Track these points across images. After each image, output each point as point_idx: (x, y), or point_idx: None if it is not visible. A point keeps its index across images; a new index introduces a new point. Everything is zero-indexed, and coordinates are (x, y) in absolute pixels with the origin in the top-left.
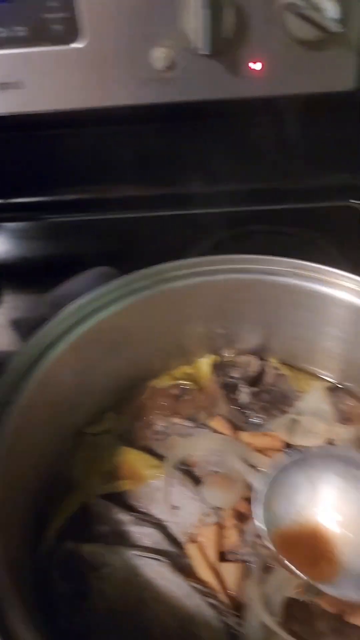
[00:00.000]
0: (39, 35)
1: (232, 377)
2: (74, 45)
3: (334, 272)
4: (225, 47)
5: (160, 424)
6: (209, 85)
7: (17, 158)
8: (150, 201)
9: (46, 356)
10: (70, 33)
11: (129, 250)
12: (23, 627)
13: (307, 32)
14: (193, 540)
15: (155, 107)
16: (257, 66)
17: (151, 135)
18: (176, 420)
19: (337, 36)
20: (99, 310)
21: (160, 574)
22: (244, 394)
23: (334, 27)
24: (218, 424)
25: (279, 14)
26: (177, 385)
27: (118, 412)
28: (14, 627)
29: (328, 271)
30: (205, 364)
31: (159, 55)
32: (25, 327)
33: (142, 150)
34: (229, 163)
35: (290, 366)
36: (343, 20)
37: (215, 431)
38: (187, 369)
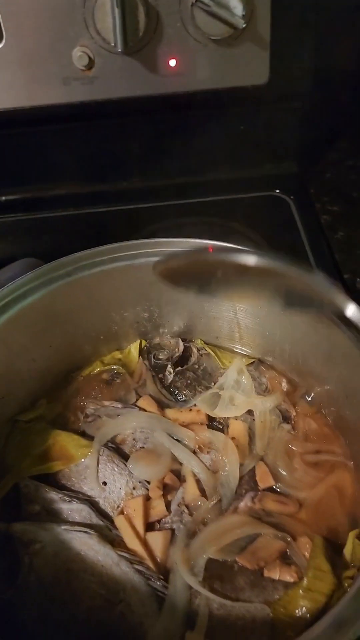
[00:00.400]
0: None
1: (159, 359)
2: None
3: (241, 249)
4: (140, 45)
5: (90, 408)
6: (128, 83)
7: None
8: (79, 198)
9: None
10: None
11: (59, 248)
12: None
13: (216, 28)
14: (121, 512)
15: (79, 105)
16: (172, 63)
17: (78, 134)
18: (106, 402)
19: (246, 32)
20: (21, 298)
21: (88, 546)
22: (170, 374)
23: (240, 24)
24: (145, 403)
25: (189, 11)
26: (108, 370)
27: (50, 399)
28: None
29: (236, 249)
30: (134, 348)
31: (78, 54)
32: None
33: (69, 148)
34: (156, 158)
35: (215, 346)
36: (249, 16)
37: (142, 410)
38: (117, 354)
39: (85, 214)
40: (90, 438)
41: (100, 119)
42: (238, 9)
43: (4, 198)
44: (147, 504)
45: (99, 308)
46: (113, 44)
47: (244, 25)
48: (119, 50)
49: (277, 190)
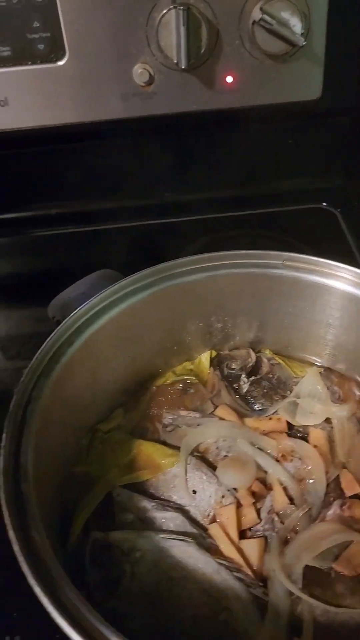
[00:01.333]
0: (23, 55)
1: (232, 369)
2: (57, 63)
3: (323, 262)
4: (200, 61)
5: (168, 418)
6: (185, 99)
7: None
8: (133, 211)
9: (63, 354)
10: (53, 52)
11: (115, 260)
12: (78, 604)
13: (275, 46)
14: (214, 521)
15: (136, 120)
16: (229, 79)
17: (133, 148)
18: (183, 412)
19: (302, 49)
20: (108, 309)
21: (187, 554)
22: (245, 383)
23: (301, 41)
24: (224, 412)
25: (249, 30)
26: (181, 381)
27: (127, 409)
28: (69, 603)
29: (317, 261)
30: (204, 358)
31: (139, 71)
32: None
33: (124, 162)
34: (208, 171)
35: (284, 356)
36: (307, 34)
37: (222, 419)
38: (188, 365)
39: (137, 226)
40: (172, 447)
41: (156, 134)
42: (297, 27)
43: (54, 211)
44: (238, 512)
45: (177, 319)
46: (175, 61)
47: (304, 43)
48: (182, 67)
49: (324, 203)
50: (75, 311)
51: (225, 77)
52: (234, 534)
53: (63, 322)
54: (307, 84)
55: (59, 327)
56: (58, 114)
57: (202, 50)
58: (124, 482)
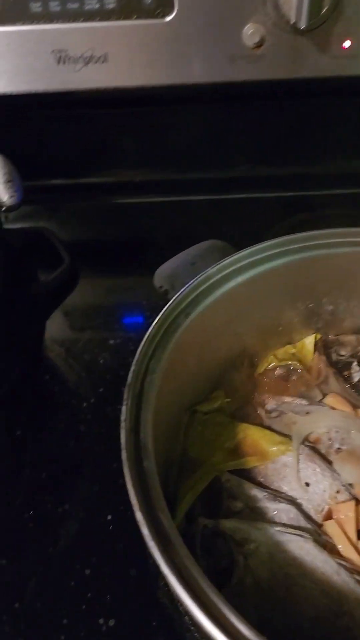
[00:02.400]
0: (129, 8)
1: (341, 355)
2: (164, 19)
3: None
4: (317, 23)
5: (272, 403)
6: (296, 64)
7: (88, 136)
8: (221, 184)
9: (178, 326)
10: (161, 6)
11: (204, 234)
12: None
13: None
14: (327, 518)
15: (240, 85)
16: (347, 44)
17: (229, 116)
18: (288, 399)
19: None
20: (224, 281)
21: (305, 550)
22: (357, 371)
23: None
24: (335, 401)
25: None
26: (284, 365)
27: (227, 391)
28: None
29: None
30: (308, 342)
31: (250, 31)
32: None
33: (218, 131)
34: (301, 145)
35: None
36: None
37: (333, 409)
38: (290, 349)
39: (218, 200)
40: (281, 434)
41: (258, 100)
42: None
43: (139, 179)
44: (357, 509)
45: (290, 297)
46: (293, 21)
47: None
48: (301, 27)
49: None
50: (193, 280)
51: (343, 42)
52: (353, 534)
53: (180, 290)
54: None
55: (176, 295)
56: (159, 74)
57: (323, 11)
58: (231, 467)
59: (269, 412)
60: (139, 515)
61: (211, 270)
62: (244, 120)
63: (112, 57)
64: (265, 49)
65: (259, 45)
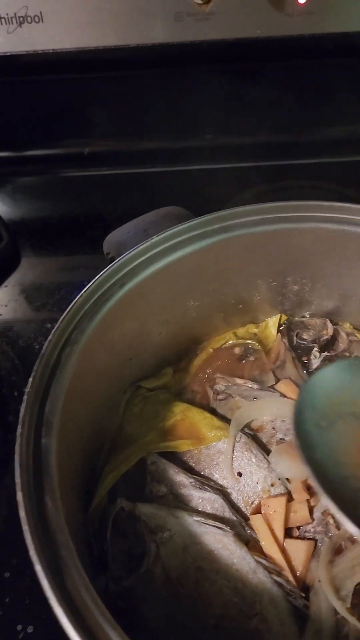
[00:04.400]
0: None
1: (303, 339)
2: None
3: None
4: None
5: (221, 384)
6: (248, 22)
7: (28, 106)
8: (174, 154)
9: (112, 295)
10: None
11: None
12: (82, 591)
13: None
14: (256, 511)
15: (187, 46)
16: (303, 0)
17: (183, 82)
18: (239, 381)
19: None
20: (171, 250)
21: (222, 544)
22: (316, 358)
23: None
24: (286, 387)
25: None
26: (242, 345)
27: (176, 369)
28: (73, 589)
29: None
30: (272, 323)
31: None
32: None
33: (167, 99)
34: (262, 112)
35: None
36: None
37: (283, 396)
38: (252, 328)
39: (176, 171)
40: (223, 418)
41: (208, 65)
42: None
43: (87, 150)
44: (288, 505)
45: (249, 273)
46: None
47: None
48: None
49: None
50: (132, 250)
51: None
52: (280, 531)
53: (115, 260)
54: None
55: (110, 265)
56: (100, 35)
57: None
58: (161, 449)
59: (217, 393)
60: (19, 496)
61: (155, 238)
62: (205, 87)
63: (47, 17)
64: (214, 6)
65: (206, 1)
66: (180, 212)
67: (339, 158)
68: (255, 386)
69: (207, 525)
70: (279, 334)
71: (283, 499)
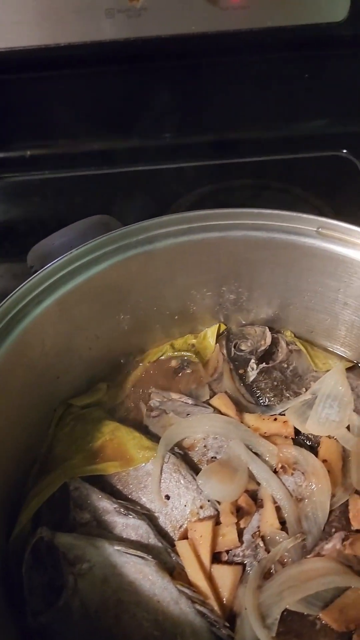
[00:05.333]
0: None
1: (241, 351)
2: None
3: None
4: None
5: (156, 399)
6: (182, 18)
7: None
8: (120, 155)
9: (28, 313)
10: None
11: (103, 208)
12: None
13: None
14: (184, 536)
15: (121, 44)
16: None
17: (118, 81)
18: (174, 395)
19: None
20: (91, 264)
21: (144, 574)
22: (253, 370)
23: None
24: (221, 402)
25: None
26: (178, 357)
27: (111, 384)
28: None
29: None
30: (210, 333)
31: None
32: None
33: (110, 98)
34: (207, 110)
35: (306, 341)
36: None
37: (217, 411)
38: (190, 339)
39: (118, 173)
40: (154, 437)
41: (142, 62)
42: None
43: (29, 153)
44: (216, 529)
45: (179, 284)
46: None
47: None
48: None
49: (344, 151)
50: (50, 264)
51: None
52: (206, 556)
53: (32, 276)
54: (331, 2)
55: (26, 282)
56: (28, 34)
57: None
58: (88, 473)
59: (150, 409)
60: None
61: (76, 251)
62: (143, 86)
63: None
64: (146, 1)
65: None
66: (109, 221)
67: (284, 155)
68: (190, 401)
69: (128, 555)
70: (217, 344)
71: (210, 523)
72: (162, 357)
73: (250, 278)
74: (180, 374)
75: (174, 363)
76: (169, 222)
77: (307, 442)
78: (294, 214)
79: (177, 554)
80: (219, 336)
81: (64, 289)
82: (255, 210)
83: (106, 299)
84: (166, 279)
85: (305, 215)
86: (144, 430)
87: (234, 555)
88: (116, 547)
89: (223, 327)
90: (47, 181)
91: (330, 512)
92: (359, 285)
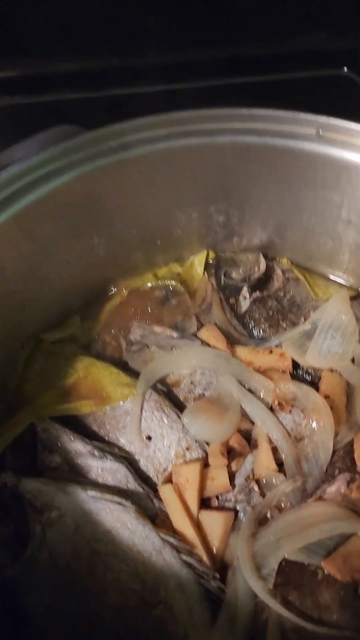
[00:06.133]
0: None
1: (231, 279)
2: None
3: None
4: None
5: (136, 333)
6: None
7: None
8: (98, 76)
9: None
10: None
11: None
12: None
13: None
14: (169, 480)
15: None
16: None
17: None
18: (158, 329)
19: None
20: (53, 175)
21: (122, 522)
22: (246, 299)
23: None
24: (210, 334)
25: None
26: (162, 287)
27: (85, 317)
28: None
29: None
30: (198, 261)
31: None
32: None
33: (88, 11)
34: (196, 25)
35: (305, 269)
36: None
37: (206, 344)
38: (175, 268)
39: (97, 98)
40: (134, 374)
41: None
42: None
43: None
44: (204, 472)
45: (160, 201)
46: None
47: None
48: None
49: (345, 69)
50: (2, 174)
51: None
52: (193, 502)
53: None
54: None
55: None
56: None
57: None
58: (59, 413)
59: (130, 343)
60: None
61: (36, 159)
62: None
63: None
64: None
65: None
66: (74, 131)
67: (280, 75)
68: (175, 334)
69: (104, 501)
70: (205, 273)
71: (197, 465)
72: (144, 287)
73: (241, 195)
74: (164, 306)
75: (157, 293)
76: (145, 126)
77: (307, 377)
78: (290, 113)
79: (160, 499)
80: (207, 265)
81: (21, 203)
82: (246, 111)
83: (75, 218)
84: (144, 196)
85: (302, 115)
86: (123, 367)
87: (225, 501)
88: (90, 493)
89: (212, 254)
90: (16, 107)
91: (334, 452)
92: None
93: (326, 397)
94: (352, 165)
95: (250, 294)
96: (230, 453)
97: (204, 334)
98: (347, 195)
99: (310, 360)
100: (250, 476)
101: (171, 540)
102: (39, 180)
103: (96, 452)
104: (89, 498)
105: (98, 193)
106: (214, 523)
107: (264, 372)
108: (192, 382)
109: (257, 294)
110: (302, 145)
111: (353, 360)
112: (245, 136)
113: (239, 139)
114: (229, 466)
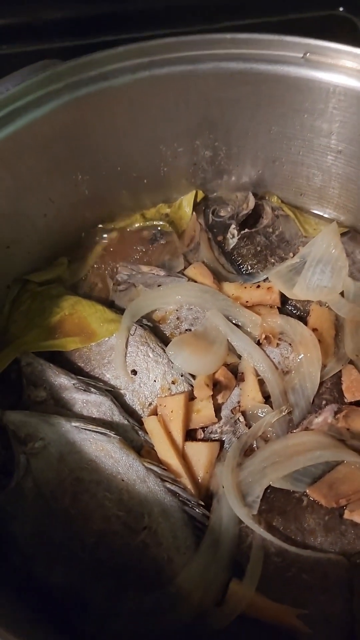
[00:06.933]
0: None
1: (220, 217)
2: None
3: None
4: None
5: (123, 273)
6: None
7: None
8: (90, 23)
9: None
10: None
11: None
12: None
13: None
14: (154, 413)
15: None
16: None
17: None
18: (145, 268)
19: None
20: (31, 107)
21: (105, 452)
22: (233, 237)
23: None
24: (197, 272)
25: None
26: (150, 227)
27: (73, 258)
28: None
29: (356, 53)
30: (186, 201)
31: None
32: None
33: None
34: None
35: (295, 207)
36: None
37: (193, 281)
38: (163, 208)
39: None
40: (120, 311)
41: None
42: None
43: None
44: (190, 404)
45: (144, 135)
46: None
47: None
48: None
49: (341, 8)
50: None
51: None
52: (178, 433)
53: None
54: None
55: None
56: None
57: None
58: (43, 349)
59: (117, 283)
60: None
61: (12, 90)
62: None
63: None
64: None
65: None
66: (56, 63)
67: (273, 17)
68: (162, 272)
69: (87, 431)
70: (194, 213)
71: (181, 397)
72: (132, 228)
73: (227, 126)
74: (152, 246)
75: (145, 234)
76: (126, 54)
77: (296, 312)
78: (275, 37)
79: (145, 432)
80: (196, 205)
81: (1, 133)
82: (229, 36)
83: (56, 152)
84: (128, 129)
85: (288, 38)
86: (109, 306)
87: (210, 433)
88: (74, 424)
89: (201, 195)
90: (5, 57)
91: (321, 384)
92: (355, 123)
93: (314, 330)
94: (341, 89)
95: (239, 232)
96: (217, 386)
97: (191, 271)
98: (335, 122)
99: (298, 293)
100: (237, 408)
101: (155, 469)
102: (18, 110)
103: (81, 386)
104: (72, 428)
105: (78, 125)
106: (199, 453)
107: (251, 307)
108: (178, 318)
109: (245, 230)
110: (288, 69)
111: (342, 294)
112: (228, 62)
113: (222, 66)
114: (215, 399)
